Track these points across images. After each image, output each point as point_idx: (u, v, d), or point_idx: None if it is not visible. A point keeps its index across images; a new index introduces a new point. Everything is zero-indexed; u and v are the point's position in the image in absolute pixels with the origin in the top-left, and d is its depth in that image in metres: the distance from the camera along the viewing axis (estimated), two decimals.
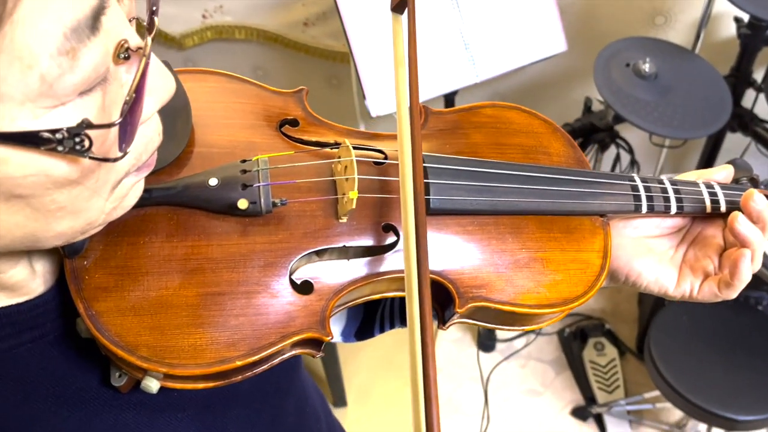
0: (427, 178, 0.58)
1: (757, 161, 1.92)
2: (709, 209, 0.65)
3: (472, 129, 0.66)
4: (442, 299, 0.59)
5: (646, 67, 1.53)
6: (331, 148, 0.60)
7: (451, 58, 1.51)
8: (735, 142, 1.92)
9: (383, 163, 0.60)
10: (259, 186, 0.53)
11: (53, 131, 0.35)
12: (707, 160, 1.96)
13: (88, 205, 0.42)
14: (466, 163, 0.60)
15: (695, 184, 0.65)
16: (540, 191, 0.61)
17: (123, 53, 0.38)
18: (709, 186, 0.65)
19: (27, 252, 0.49)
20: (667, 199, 0.64)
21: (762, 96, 1.75)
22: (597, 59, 1.57)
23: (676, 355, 1.68)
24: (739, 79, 1.76)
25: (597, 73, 1.55)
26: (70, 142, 0.36)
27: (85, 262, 0.50)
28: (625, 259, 0.65)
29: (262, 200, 0.53)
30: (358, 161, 0.56)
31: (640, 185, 0.64)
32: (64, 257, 0.50)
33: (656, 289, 0.64)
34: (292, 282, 0.53)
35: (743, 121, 1.77)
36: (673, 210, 0.64)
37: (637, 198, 0.63)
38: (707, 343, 1.72)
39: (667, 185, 0.64)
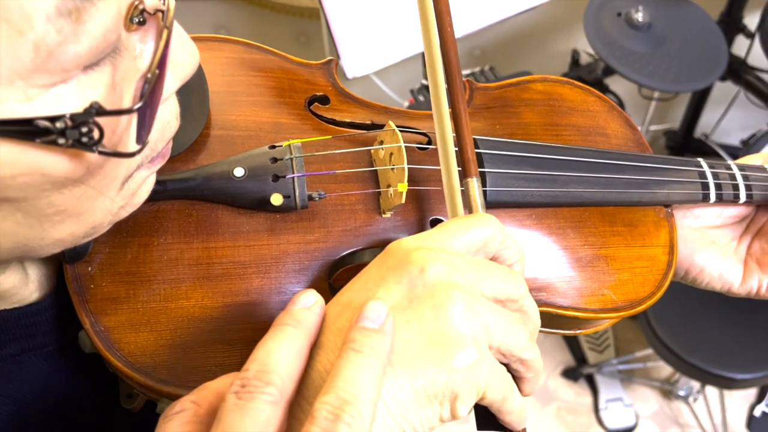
0: (483, 167, 0.50)
1: (745, 110, 1.86)
2: None
3: (522, 107, 0.58)
4: None
5: (639, 15, 1.44)
6: (369, 131, 0.52)
7: None
8: (724, 90, 1.87)
9: (427, 148, 0.52)
10: (293, 177, 0.45)
11: (52, 119, 0.26)
12: (695, 110, 1.92)
13: (92, 205, 0.33)
14: (525, 148, 0.52)
15: (763, 169, 0.60)
16: (605, 180, 0.54)
17: (137, 17, 0.30)
18: None
19: None
20: (736, 187, 0.58)
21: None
22: (587, 9, 1.49)
23: (670, 313, 1.64)
24: (730, 25, 1.70)
25: (587, 24, 1.46)
26: (75, 132, 0.27)
27: (90, 268, 0.42)
28: (686, 252, 0.58)
29: (297, 194, 0.45)
30: (406, 148, 0.48)
31: (708, 171, 0.58)
32: (63, 262, 0.42)
33: (719, 285, 0.58)
34: (331, 288, 0.46)
35: (733, 68, 1.71)
36: (743, 198, 0.58)
37: (705, 186, 0.57)
38: (702, 300, 1.68)
39: (736, 171, 0.58)
